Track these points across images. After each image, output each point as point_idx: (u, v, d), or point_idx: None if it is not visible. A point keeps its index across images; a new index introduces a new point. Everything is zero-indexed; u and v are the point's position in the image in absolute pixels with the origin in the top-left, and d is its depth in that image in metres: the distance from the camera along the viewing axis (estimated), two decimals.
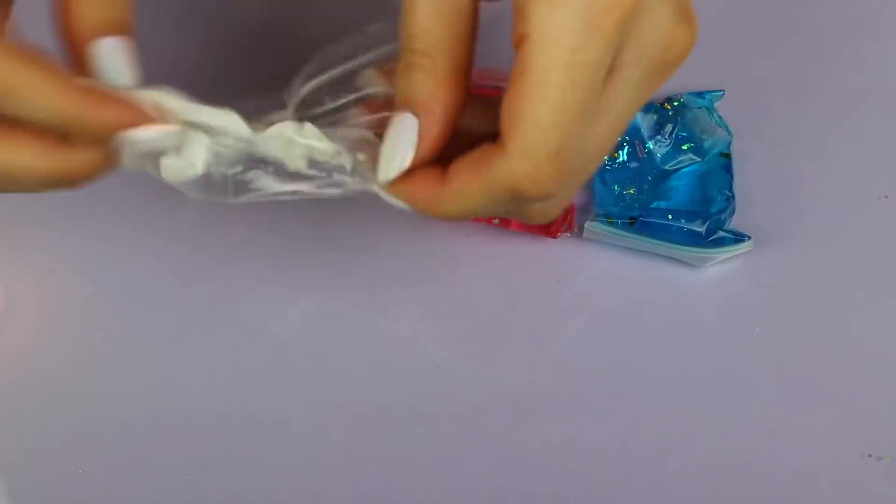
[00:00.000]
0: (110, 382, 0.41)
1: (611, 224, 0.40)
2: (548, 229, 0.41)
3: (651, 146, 0.42)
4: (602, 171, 0.41)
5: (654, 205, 0.41)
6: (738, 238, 0.40)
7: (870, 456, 0.39)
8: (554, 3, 0.25)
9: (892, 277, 0.41)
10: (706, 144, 0.41)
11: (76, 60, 0.28)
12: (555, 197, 0.28)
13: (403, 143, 0.28)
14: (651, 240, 0.40)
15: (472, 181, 0.27)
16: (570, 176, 0.28)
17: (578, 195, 0.43)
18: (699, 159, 0.41)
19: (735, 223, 0.41)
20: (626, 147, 0.42)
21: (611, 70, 0.27)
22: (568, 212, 0.41)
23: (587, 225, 0.41)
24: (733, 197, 0.41)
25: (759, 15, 0.46)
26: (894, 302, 0.41)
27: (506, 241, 0.42)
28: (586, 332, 0.41)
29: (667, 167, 0.42)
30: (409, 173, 0.28)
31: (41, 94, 0.27)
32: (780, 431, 0.40)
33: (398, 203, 0.30)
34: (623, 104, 0.28)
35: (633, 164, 0.42)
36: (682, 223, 0.40)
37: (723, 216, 0.40)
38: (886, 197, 0.43)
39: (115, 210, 0.43)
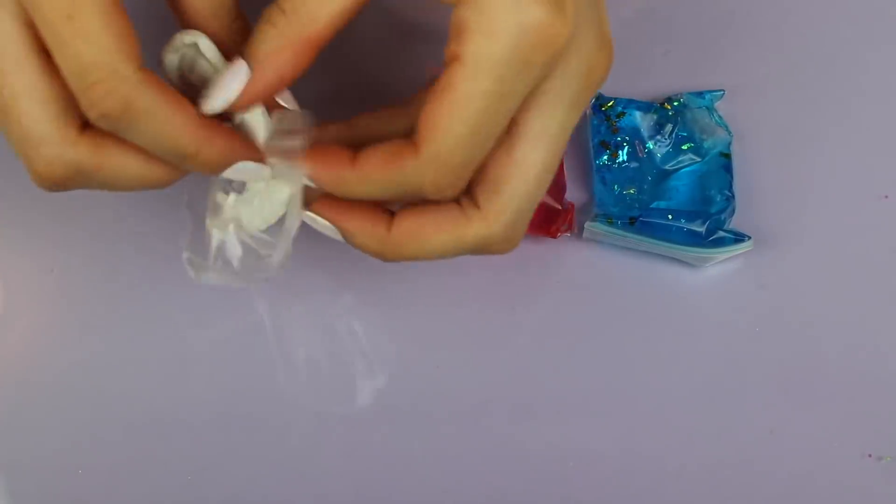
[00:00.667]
0: (110, 382, 0.41)
1: (611, 224, 0.40)
2: (548, 229, 0.41)
3: (651, 146, 0.42)
4: (602, 171, 0.41)
5: (654, 205, 0.41)
6: (738, 238, 0.40)
7: (870, 456, 0.39)
8: (491, 35, 0.26)
9: (892, 277, 0.41)
10: (706, 144, 0.41)
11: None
12: (501, 222, 0.30)
13: (228, 84, 0.29)
14: (651, 240, 0.40)
15: (380, 171, 0.29)
16: (510, 200, 0.30)
17: (579, 195, 0.43)
18: (699, 159, 0.41)
19: (735, 223, 0.41)
20: (626, 147, 0.42)
21: (536, 95, 0.29)
22: (568, 212, 0.41)
23: (587, 225, 0.41)
24: (733, 197, 0.41)
25: (760, 15, 0.46)
26: (894, 302, 0.41)
27: None
28: (586, 332, 0.41)
29: (667, 167, 0.42)
30: (320, 149, 0.30)
31: (164, 123, 0.28)
32: (780, 431, 0.40)
33: (320, 225, 0.32)
34: (555, 127, 0.29)
35: (633, 164, 0.42)
36: (682, 223, 0.40)
37: (723, 216, 0.40)
38: (886, 197, 0.43)
39: (116, 210, 0.43)
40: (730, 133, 0.42)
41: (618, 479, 0.39)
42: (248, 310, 0.42)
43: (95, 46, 0.27)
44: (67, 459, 0.40)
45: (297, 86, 0.30)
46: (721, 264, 0.42)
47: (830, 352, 0.40)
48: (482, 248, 0.31)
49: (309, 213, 0.32)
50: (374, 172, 0.29)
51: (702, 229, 0.40)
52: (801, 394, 0.40)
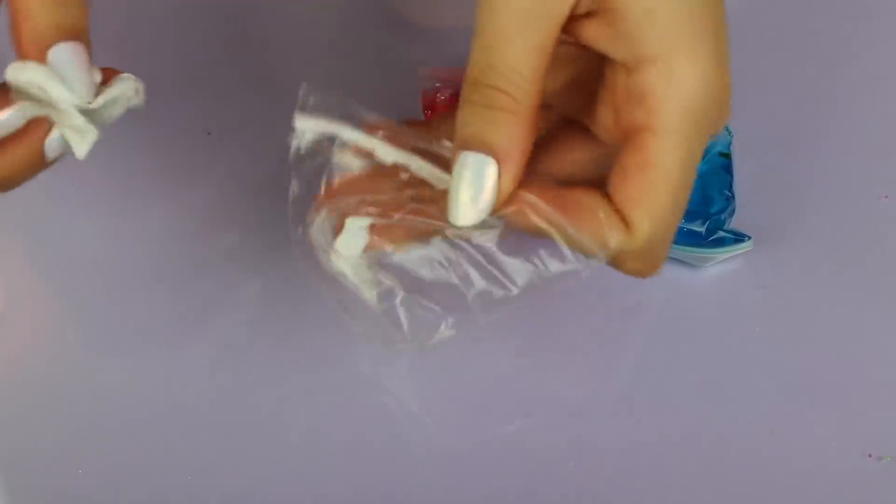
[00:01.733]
0: (110, 382, 0.41)
1: None
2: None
3: None
4: None
5: None
6: (738, 238, 0.40)
7: (870, 456, 0.39)
8: (686, 109, 0.26)
9: (892, 277, 0.41)
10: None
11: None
12: (650, 253, 0.29)
13: (482, 187, 0.27)
14: None
15: (587, 227, 0.27)
16: (660, 222, 0.29)
17: None
18: None
19: (735, 223, 0.41)
20: None
21: None
22: None
23: None
24: (733, 197, 0.41)
25: (760, 15, 0.46)
26: (894, 302, 0.41)
27: (506, 241, 0.42)
28: (586, 333, 0.41)
29: None
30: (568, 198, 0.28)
31: None
32: (780, 431, 0.40)
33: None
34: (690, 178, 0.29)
35: None
36: (682, 223, 0.40)
37: (723, 216, 0.40)
38: (886, 197, 0.43)
39: (116, 210, 0.43)
40: (730, 133, 0.42)
41: (618, 479, 0.39)
42: (247, 310, 0.42)
43: None
44: (67, 459, 0.40)
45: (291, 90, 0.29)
46: (721, 264, 0.42)
47: (830, 352, 0.40)
48: (621, 265, 0.29)
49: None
50: (581, 226, 0.27)
51: (702, 229, 0.40)
52: (801, 394, 0.40)
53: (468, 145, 0.27)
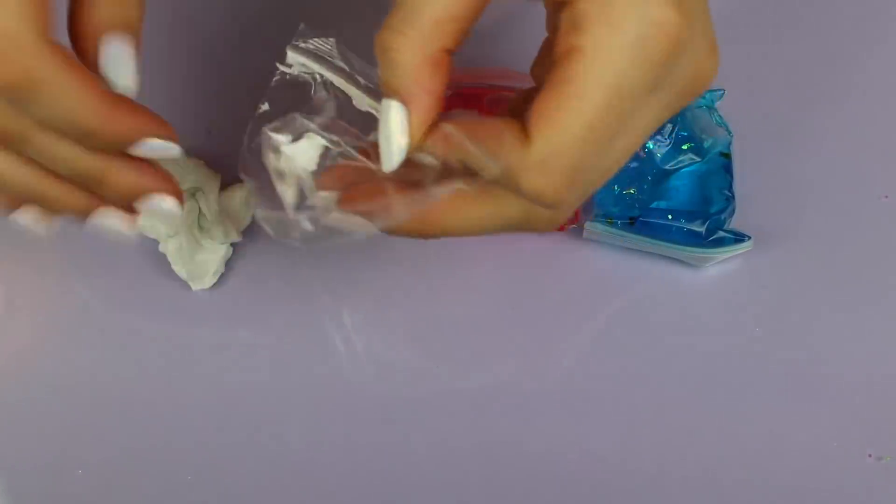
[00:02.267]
0: (110, 383, 0.41)
1: (611, 224, 0.40)
2: None
3: (651, 146, 0.42)
4: None
5: (653, 205, 0.41)
6: (738, 238, 0.40)
7: (870, 456, 0.39)
8: (614, 26, 0.25)
9: (892, 277, 0.41)
10: (706, 144, 0.41)
11: (83, 58, 0.28)
12: (563, 206, 0.28)
13: (391, 131, 0.28)
14: (651, 240, 0.40)
15: (491, 144, 0.27)
16: (583, 188, 0.28)
17: None
18: (699, 159, 0.41)
19: (735, 223, 0.41)
20: None
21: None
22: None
23: (587, 225, 0.41)
24: (733, 197, 0.41)
25: (760, 15, 0.46)
26: (894, 302, 0.41)
27: (506, 242, 0.42)
28: (586, 333, 0.41)
29: (667, 167, 0.41)
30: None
31: (66, 96, 0.27)
32: (780, 431, 0.40)
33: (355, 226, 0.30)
34: (645, 125, 0.28)
35: (633, 164, 0.42)
36: (682, 223, 0.40)
37: (723, 216, 0.40)
38: (886, 197, 0.43)
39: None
40: (730, 133, 0.42)
41: (618, 479, 0.39)
42: (247, 310, 0.42)
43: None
44: (67, 459, 0.40)
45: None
46: (721, 264, 0.42)
47: (830, 352, 0.40)
48: (517, 187, 0.28)
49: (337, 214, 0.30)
50: (488, 143, 0.27)
51: (702, 229, 0.40)
52: (801, 394, 0.40)
53: (384, 93, 0.28)
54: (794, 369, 0.40)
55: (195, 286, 0.41)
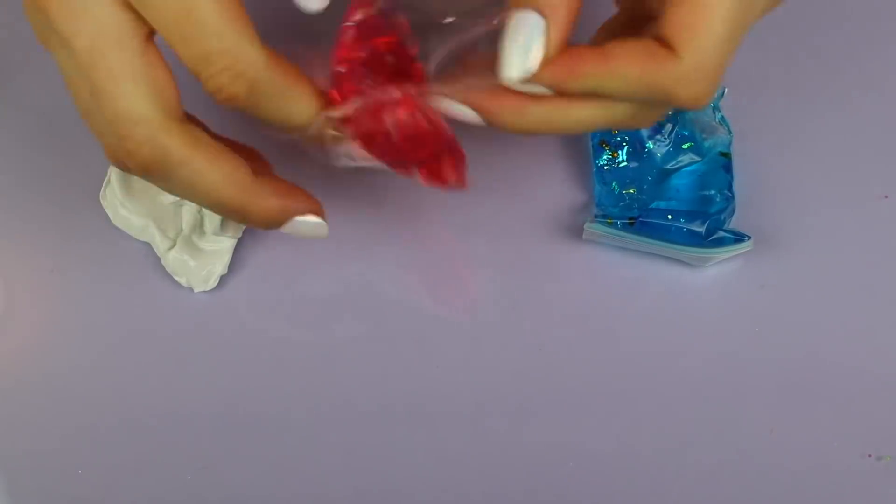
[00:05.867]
0: (110, 382, 0.41)
1: (610, 225, 0.40)
2: (442, 180, 0.34)
3: (651, 146, 0.42)
4: (602, 171, 0.41)
5: (653, 205, 0.41)
6: (738, 238, 0.40)
7: (870, 456, 0.39)
8: None
9: (892, 277, 0.41)
10: (706, 144, 0.41)
11: None
12: (708, 100, 0.29)
13: (530, 41, 0.28)
14: (651, 240, 0.40)
15: (635, 68, 0.28)
16: (722, 73, 0.29)
17: (578, 195, 0.43)
18: (699, 159, 0.41)
19: (735, 223, 0.41)
20: (626, 147, 0.42)
21: None
22: (457, 157, 0.34)
23: (586, 226, 0.41)
24: (733, 197, 0.41)
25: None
26: (894, 302, 0.41)
27: (506, 242, 0.42)
28: (586, 333, 0.41)
29: (667, 167, 0.42)
30: (568, 48, 0.28)
31: (201, 177, 0.28)
32: (780, 431, 0.40)
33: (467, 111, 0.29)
34: (764, 4, 0.29)
35: (633, 164, 0.42)
36: (682, 223, 0.40)
37: (723, 216, 0.40)
38: (886, 197, 0.43)
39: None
40: (730, 132, 0.42)
41: (618, 479, 0.39)
42: (247, 310, 0.42)
43: (119, 104, 0.27)
44: (67, 459, 0.40)
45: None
46: (721, 264, 0.42)
47: (830, 351, 0.40)
48: (667, 94, 0.28)
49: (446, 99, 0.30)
50: (628, 69, 0.28)
51: (702, 229, 0.40)
52: (801, 394, 0.40)
53: (518, 3, 0.28)
54: (793, 369, 0.40)
55: (197, 289, 0.41)
